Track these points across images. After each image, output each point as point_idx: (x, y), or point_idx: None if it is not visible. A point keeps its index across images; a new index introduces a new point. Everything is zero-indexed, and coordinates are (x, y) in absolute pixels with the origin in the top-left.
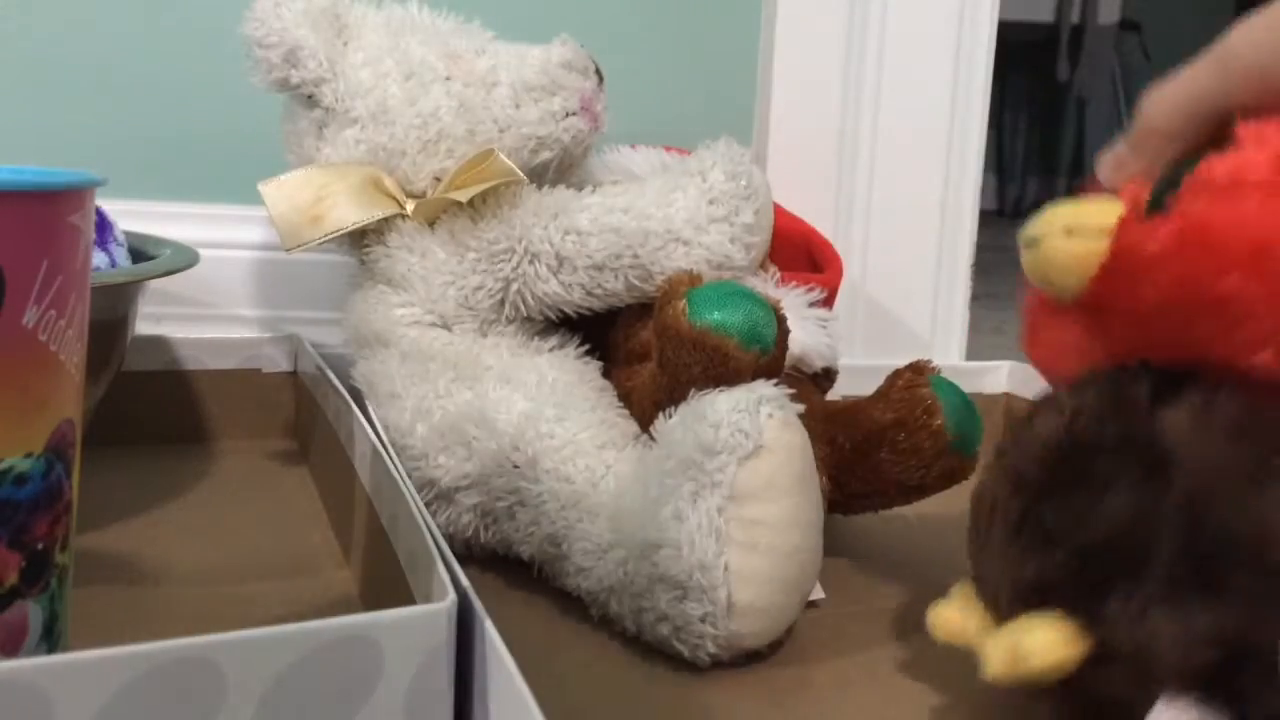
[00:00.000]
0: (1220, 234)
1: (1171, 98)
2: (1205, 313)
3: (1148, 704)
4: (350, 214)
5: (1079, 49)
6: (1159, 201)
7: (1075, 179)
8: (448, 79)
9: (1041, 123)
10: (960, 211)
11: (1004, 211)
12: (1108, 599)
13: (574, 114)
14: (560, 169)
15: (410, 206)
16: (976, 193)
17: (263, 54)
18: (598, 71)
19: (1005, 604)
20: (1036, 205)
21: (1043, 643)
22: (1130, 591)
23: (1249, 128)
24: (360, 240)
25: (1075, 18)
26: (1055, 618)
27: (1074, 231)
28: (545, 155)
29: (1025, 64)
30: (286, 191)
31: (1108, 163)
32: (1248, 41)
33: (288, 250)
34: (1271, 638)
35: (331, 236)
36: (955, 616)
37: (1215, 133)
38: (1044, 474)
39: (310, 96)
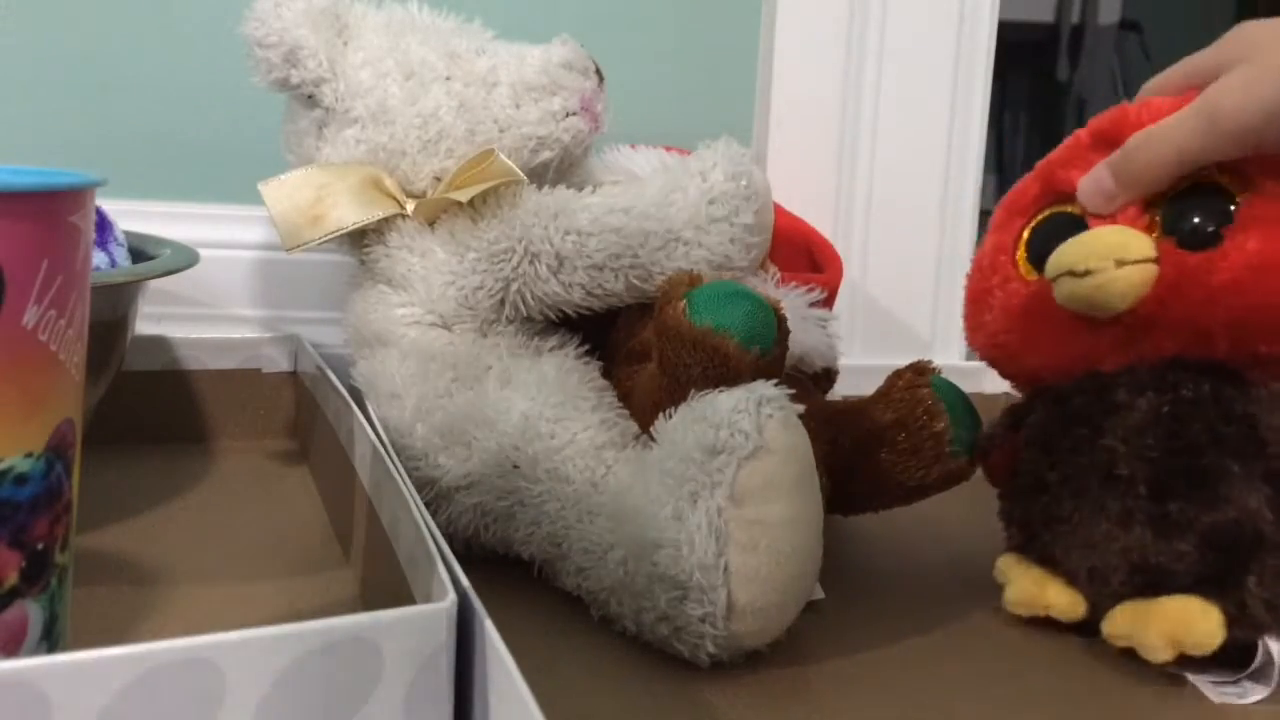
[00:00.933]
0: None
1: (1160, 151)
2: None
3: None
4: (350, 214)
5: (1079, 49)
6: (1208, 235)
7: None
8: (448, 79)
9: (1041, 123)
10: (960, 211)
11: None
12: (1244, 578)
13: (574, 114)
14: (560, 169)
15: (410, 206)
16: (976, 193)
17: (263, 54)
18: (598, 71)
19: (1117, 583)
20: None
21: (1206, 633)
22: (1260, 572)
23: (1259, 165)
24: (360, 240)
25: (1075, 18)
26: (1199, 603)
27: (1124, 262)
28: (545, 155)
29: (1025, 64)
30: (286, 191)
31: (1097, 194)
32: (1234, 106)
33: (288, 250)
34: None
35: (331, 236)
36: (1034, 590)
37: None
38: (1149, 471)
39: (310, 96)
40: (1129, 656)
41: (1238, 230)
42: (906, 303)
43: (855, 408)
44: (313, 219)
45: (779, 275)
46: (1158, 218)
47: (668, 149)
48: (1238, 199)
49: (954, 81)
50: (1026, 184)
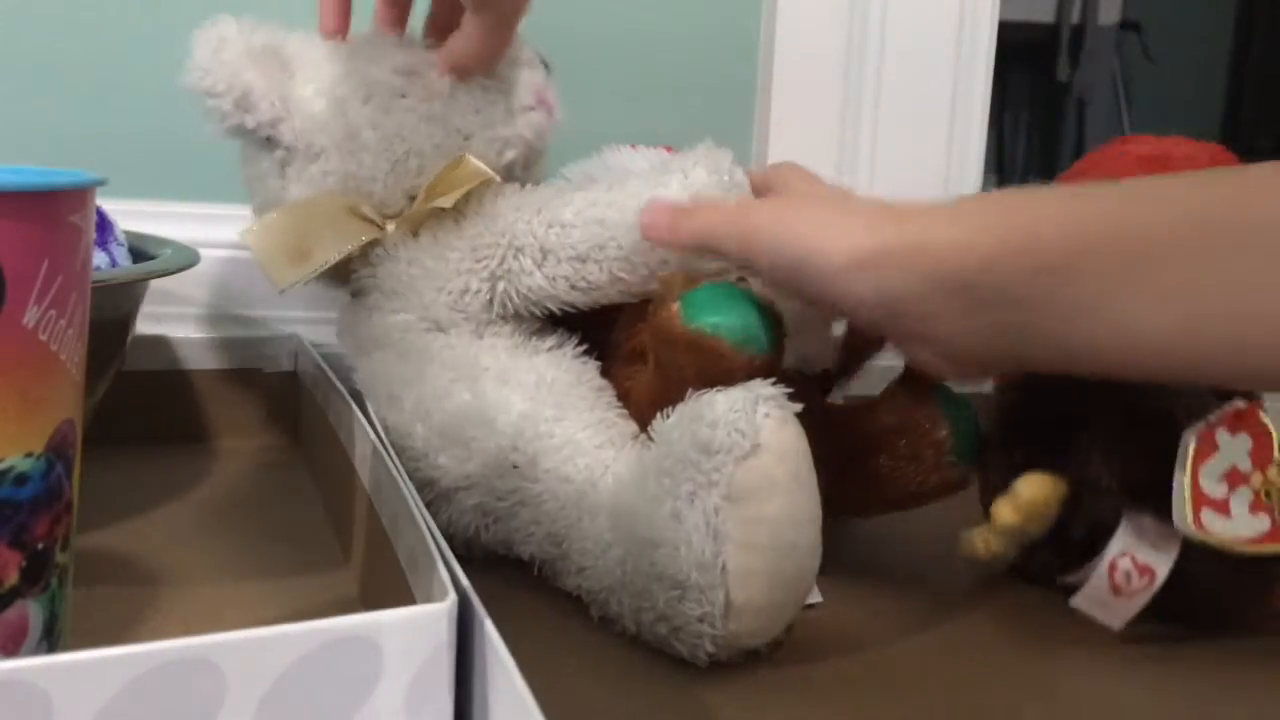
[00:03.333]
0: None
1: (700, 218)
2: None
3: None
4: (334, 245)
5: (1079, 49)
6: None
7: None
8: (404, 96)
9: (1041, 123)
10: None
11: None
12: (1066, 453)
13: (532, 109)
14: (526, 165)
15: (390, 227)
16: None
17: (214, 103)
18: (544, 62)
19: (1000, 484)
20: None
21: (1032, 484)
22: (1080, 446)
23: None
24: (347, 265)
25: (1075, 18)
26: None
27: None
28: (510, 154)
29: (1025, 64)
30: (269, 234)
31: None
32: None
33: (279, 292)
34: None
35: (320, 270)
36: (978, 536)
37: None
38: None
39: (269, 138)
40: (1129, 656)
41: None
42: None
43: (856, 411)
44: (298, 257)
45: None
46: None
47: (668, 150)
48: None
49: (954, 81)
50: None
